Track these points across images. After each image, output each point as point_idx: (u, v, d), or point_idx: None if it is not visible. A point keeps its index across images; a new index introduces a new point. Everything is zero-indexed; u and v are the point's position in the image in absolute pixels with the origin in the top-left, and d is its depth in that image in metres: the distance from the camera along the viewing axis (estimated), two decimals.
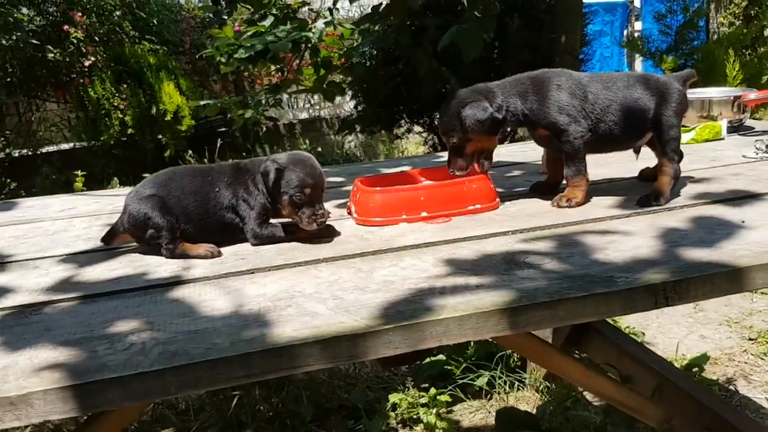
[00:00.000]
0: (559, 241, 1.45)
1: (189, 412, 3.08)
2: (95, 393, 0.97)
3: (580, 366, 1.91)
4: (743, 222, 1.48)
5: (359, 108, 7.17)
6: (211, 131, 8.55)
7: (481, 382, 3.13)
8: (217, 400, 3.10)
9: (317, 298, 1.21)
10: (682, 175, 1.89)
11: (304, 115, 9.89)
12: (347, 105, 8.98)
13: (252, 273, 1.38)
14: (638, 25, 11.31)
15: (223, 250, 1.55)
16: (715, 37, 5.29)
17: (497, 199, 1.77)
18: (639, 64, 7.26)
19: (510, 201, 1.82)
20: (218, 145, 7.62)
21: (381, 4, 5.88)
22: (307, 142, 9.28)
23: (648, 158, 1.90)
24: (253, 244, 1.58)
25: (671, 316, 4.11)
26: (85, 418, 1.62)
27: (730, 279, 1.22)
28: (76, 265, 1.53)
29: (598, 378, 1.94)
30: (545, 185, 1.85)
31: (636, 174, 1.96)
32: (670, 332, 3.84)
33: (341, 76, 6.47)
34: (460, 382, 3.14)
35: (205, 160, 7.56)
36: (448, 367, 3.21)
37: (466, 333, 1.11)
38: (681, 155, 1.76)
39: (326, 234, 1.61)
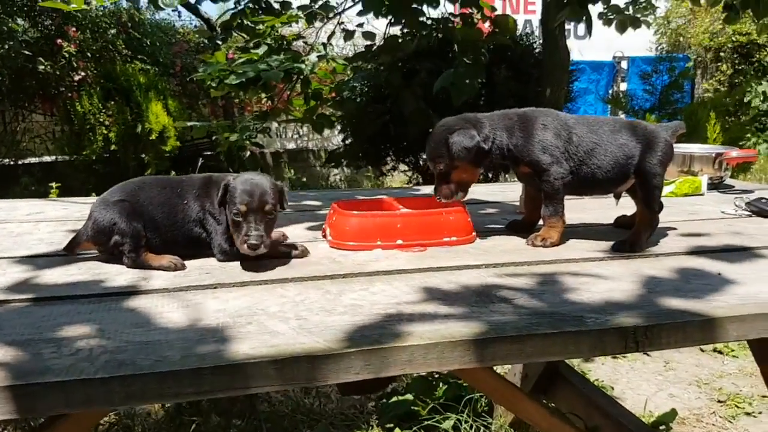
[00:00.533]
0: (531, 278, 1.42)
1: None
2: (36, 396, 0.92)
3: (545, 413, 1.86)
4: (719, 273, 1.46)
5: (347, 142, 7.20)
6: (196, 154, 8.52)
7: (447, 425, 3.07)
8: (174, 425, 3.00)
9: (280, 317, 1.17)
10: (661, 225, 1.88)
11: (291, 145, 9.92)
12: (335, 138, 9.02)
13: (215, 288, 1.34)
14: (623, 86, 11.57)
15: (188, 263, 1.50)
16: (700, 100, 5.41)
17: (473, 233, 1.74)
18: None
19: (485, 237, 1.80)
20: (199, 165, 7.57)
21: (374, 44, 5.96)
22: (293, 171, 9.27)
23: (625, 206, 1.89)
24: (220, 260, 1.54)
25: (641, 372, 4.09)
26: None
27: (703, 328, 1.20)
28: (34, 268, 1.48)
29: (564, 426, 1.89)
30: (521, 224, 1.84)
31: (612, 220, 1.95)
32: (639, 388, 3.81)
33: (331, 110, 6.50)
34: (426, 423, 3.08)
35: None
36: (415, 408, 3.15)
37: (431, 362, 1.07)
38: (661, 206, 1.76)
39: (298, 254, 1.58)
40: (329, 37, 6.22)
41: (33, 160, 8.25)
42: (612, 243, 1.70)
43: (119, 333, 1.09)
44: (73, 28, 7.53)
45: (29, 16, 7.59)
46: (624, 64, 11.76)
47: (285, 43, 5.89)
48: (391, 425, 3.08)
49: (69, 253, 1.56)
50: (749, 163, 2.25)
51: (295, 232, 1.86)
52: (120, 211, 1.47)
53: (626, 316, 1.19)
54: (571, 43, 6.17)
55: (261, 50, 5.59)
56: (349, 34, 5.98)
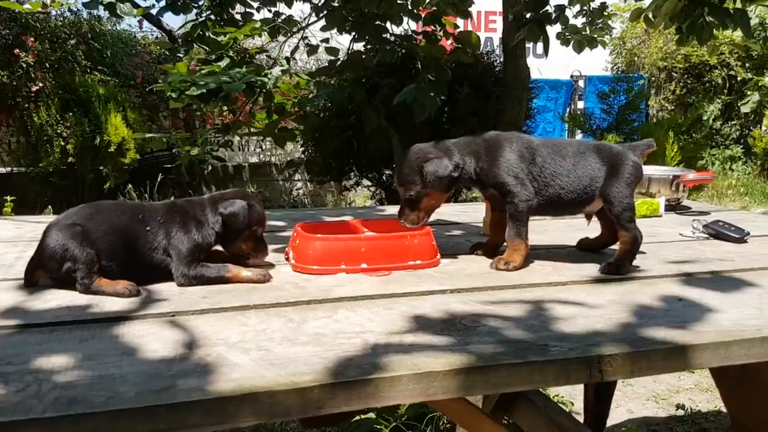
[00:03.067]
0: (495, 304, 1.42)
1: None
2: None
3: None
4: (680, 299, 1.48)
5: (308, 153, 7.17)
6: (156, 166, 8.39)
7: None
8: None
9: (241, 348, 1.14)
10: (614, 248, 1.90)
11: (254, 159, 9.82)
12: (298, 152, 8.97)
13: (173, 315, 1.30)
14: (581, 104, 11.78)
15: (146, 288, 1.46)
16: (654, 120, 5.53)
17: (438, 256, 1.73)
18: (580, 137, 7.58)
19: (450, 259, 1.79)
20: (158, 180, 7.44)
21: (338, 59, 5.96)
22: (254, 185, 9.18)
23: (586, 229, 1.91)
24: (180, 284, 1.50)
25: None
26: None
27: (667, 357, 1.20)
28: None
29: None
30: (485, 246, 1.83)
31: (575, 242, 1.96)
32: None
33: (294, 124, 6.46)
34: None
35: (145, 196, 7.37)
36: (378, 427, 3.12)
37: (397, 395, 1.05)
38: None
39: (267, 278, 1.55)
40: (293, 52, 6.19)
41: None
42: (575, 266, 1.71)
43: (71, 366, 1.04)
44: (32, 39, 7.35)
45: None
46: (581, 83, 11.98)
47: (248, 56, 5.85)
48: None
49: (30, 286, 1.48)
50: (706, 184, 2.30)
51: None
52: (73, 235, 1.42)
53: (590, 344, 1.19)
54: (531, 61, 6.26)
55: (223, 62, 5.54)
56: (312, 49, 5.97)
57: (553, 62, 10.96)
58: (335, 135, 6.73)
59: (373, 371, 1.05)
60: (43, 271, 1.46)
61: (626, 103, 5.40)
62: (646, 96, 5.88)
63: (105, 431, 0.90)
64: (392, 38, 5.50)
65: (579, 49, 5.35)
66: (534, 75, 11.76)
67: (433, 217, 2.39)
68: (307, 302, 1.39)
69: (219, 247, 1.64)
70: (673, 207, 2.55)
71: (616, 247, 1.76)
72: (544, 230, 2.16)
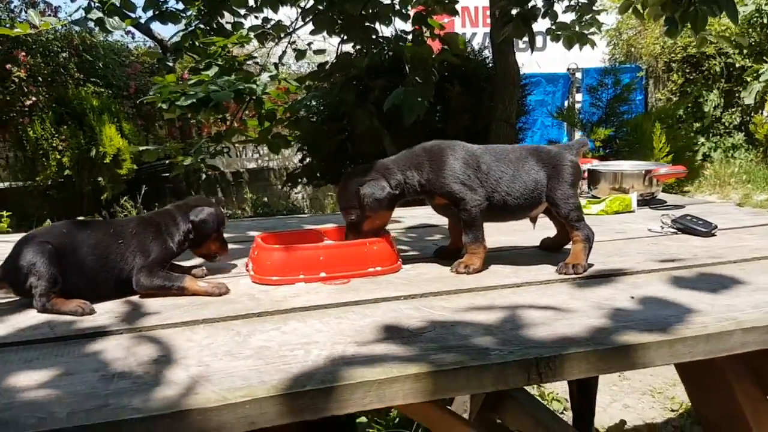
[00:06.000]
0: (447, 310, 1.42)
1: None
2: None
3: None
4: (632, 297, 1.48)
5: (305, 161, 7.18)
6: (154, 176, 8.43)
7: None
8: None
9: (182, 365, 1.15)
10: None
11: (252, 165, 9.85)
12: (296, 157, 8.99)
13: (120, 333, 1.31)
14: (579, 96, 11.74)
15: (104, 305, 1.47)
16: (646, 112, 5.53)
17: (398, 262, 1.74)
18: (578, 134, 7.54)
19: (412, 264, 1.80)
20: (154, 189, 7.47)
21: (327, 62, 5.97)
22: (252, 192, 9.21)
23: (550, 228, 1.91)
24: (138, 287, 1.53)
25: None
26: None
27: (607, 358, 1.21)
28: None
29: None
30: (448, 250, 1.84)
31: (538, 243, 1.97)
32: None
33: (288, 130, 6.48)
34: None
35: (140, 206, 7.40)
36: (370, 430, 3.14)
37: (330, 407, 1.06)
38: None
39: (222, 291, 1.56)
40: (280, 57, 6.21)
41: None
42: (536, 267, 1.72)
43: (10, 388, 1.06)
44: (23, 53, 7.41)
45: None
46: (579, 76, 11.94)
47: (236, 63, 5.87)
48: None
49: None
50: (680, 178, 2.30)
51: (223, 266, 1.84)
52: (41, 252, 1.44)
53: (531, 347, 1.20)
54: (530, 55, 6.22)
55: (212, 71, 5.56)
56: (300, 54, 5.97)
57: (551, 56, 10.95)
58: (329, 139, 6.74)
59: (308, 383, 1.06)
60: (5, 283, 1.48)
61: (614, 95, 5.39)
62: (635, 87, 5.87)
63: None
64: (381, 39, 5.51)
65: (569, 45, 5.33)
66: (533, 69, 11.74)
67: (416, 221, 2.41)
68: (258, 314, 1.41)
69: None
70: (647, 201, 2.55)
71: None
72: (513, 231, 2.16)
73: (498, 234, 2.11)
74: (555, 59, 10.95)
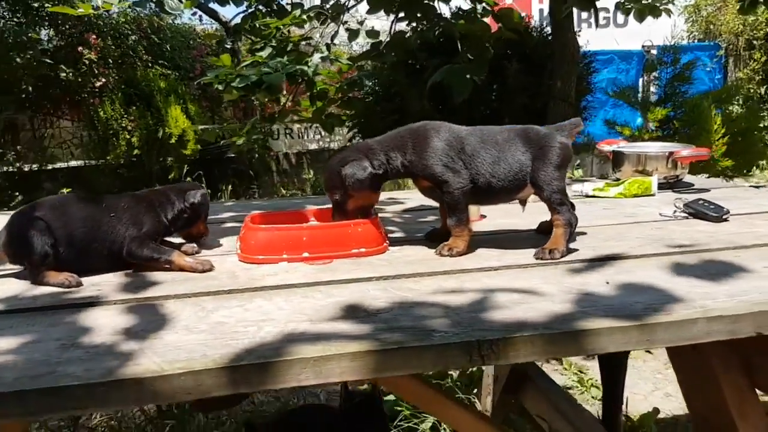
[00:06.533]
0: (414, 290, 1.44)
1: None
2: None
3: (472, 419, 1.87)
4: (607, 283, 1.45)
5: (355, 141, 7.22)
6: (219, 156, 8.69)
7: (425, 426, 3.10)
8: (154, 428, 3.10)
9: (138, 337, 1.21)
10: (583, 229, 1.86)
11: (313, 146, 9.99)
12: (356, 138, 9.06)
13: (95, 305, 1.39)
14: (654, 75, 11.27)
15: (91, 278, 1.56)
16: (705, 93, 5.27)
17: (384, 244, 1.76)
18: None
19: (400, 246, 1.81)
20: (215, 171, 7.69)
21: (381, 41, 5.96)
22: (312, 172, 9.35)
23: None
24: (128, 255, 1.61)
25: (640, 370, 4.04)
26: None
27: (555, 342, 1.19)
28: None
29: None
30: (439, 233, 1.84)
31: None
32: (635, 387, 3.77)
33: (340, 110, 6.54)
34: (405, 425, 3.11)
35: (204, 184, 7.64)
36: (398, 408, 3.18)
37: (265, 381, 1.10)
38: (572, 206, 1.75)
39: (207, 267, 1.62)
40: (332, 37, 6.24)
41: (62, 165, 8.53)
42: (526, 251, 1.70)
43: None
44: (94, 36, 7.74)
45: (53, 26, 7.85)
46: (654, 53, 11.47)
47: (291, 44, 5.95)
48: None
49: None
50: (701, 161, 2.19)
51: (216, 244, 1.90)
52: (34, 227, 1.52)
53: (478, 329, 1.20)
54: (610, 31, 5.99)
55: (265, 53, 5.66)
56: (353, 34, 5.99)
57: (629, 32, 10.56)
58: (381, 119, 6.75)
59: (246, 358, 1.10)
60: (3, 254, 1.59)
61: (674, 74, 5.16)
62: (698, 66, 5.57)
63: None
64: (437, 18, 5.45)
65: (640, 18, 5.11)
66: (611, 46, 11.31)
67: (415, 203, 2.42)
68: (228, 291, 1.46)
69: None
70: (672, 185, 2.45)
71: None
72: (518, 214, 2.13)
73: (502, 216, 2.09)
74: (634, 36, 10.59)
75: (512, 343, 1.17)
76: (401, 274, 1.54)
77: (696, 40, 11.70)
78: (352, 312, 1.32)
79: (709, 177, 5.67)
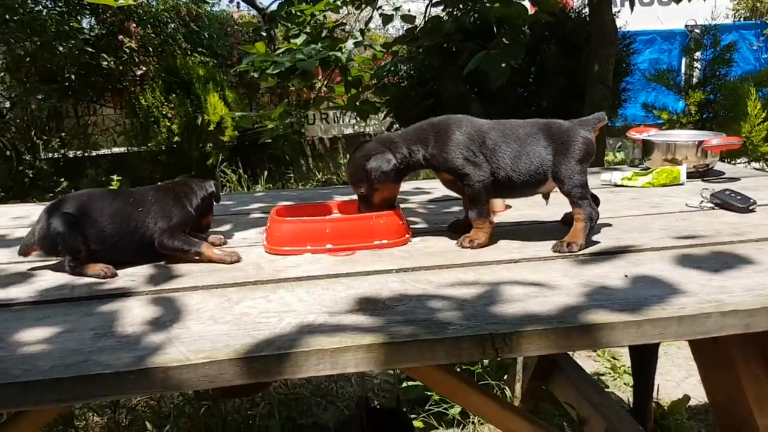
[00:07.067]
0: (432, 282, 1.47)
1: (170, 417, 3.20)
2: None
3: (497, 407, 1.90)
4: (626, 276, 1.46)
5: (392, 128, 7.24)
6: (255, 142, 8.80)
7: (455, 411, 3.14)
8: (191, 408, 3.20)
9: (166, 327, 1.27)
10: (608, 220, 1.87)
11: (349, 131, 10.04)
12: (393, 123, 9.08)
13: (129, 296, 1.45)
14: (698, 56, 11.00)
15: (126, 270, 1.63)
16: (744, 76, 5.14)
17: (407, 235, 1.79)
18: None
19: (422, 237, 1.84)
20: (217, 160, 7.77)
21: (416, 26, 5.95)
22: (347, 157, 9.40)
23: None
24: (159, 246, 1.66)
25: (674, 357, 4.01)
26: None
27: (568, 336, 1.22)
28: None
29: (516, 420, 1.93)
30: (461, 224, 1.87)
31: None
32: (668, 374, 3.74)
33: (376, 95, 6.56)
34: (435, 410, 3.16)
35: (239, 171, 7.77)
36: (429, 393, 3.23)
37: (284, 371, 1.15)
38: (597, 199, 1.76)
39: (234, 259, 1.68)
40: (366, 23, 6.26)
41: (105, 151, 8.76)
42: (548, 243, 1.71)
43: (15, 344, 1.22)
44: (134, 24, 7.90)
45: (94, 14, 8.02)
46: (698, 32, 11.17)
47: (326, 30, 5.98)
48: (405, 410, 3.18)
49: (24, 256, 1.70)
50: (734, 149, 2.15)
51: (244, 235, 1.96)
52: (66, 224, 1.59)
53: (492, 322, 1.23)
54: (653, 9, 5.84)
55: (299, 39, 5.70)
56: (387, 18, 5.99)
57: (673, 10, 10.28)
58: (416, 104, 6.75)
59: (266, 349, 1.16)
60: (35, 248, 1.66)
61: (713, 57, 5.02)
62: (737, 48, 5.43)
63: (15, 399, 1.07)
64: (471, 2, 5.42)
65: None
66: (654, 25, 11.05)
67: (439, 193, 2.44)
68: (254, 283, 1.51)
69: None
70: (702, 174, 2.42)
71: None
72: (543, 204, 2.14)
73: (527, 207, 2.10)
74: (676, 14, 10.32)
75: (525, 336, 1.20)
76: (421, 266, 1.58)
77: (741, 19, 11.35)
78: (370, 304, 1.36)
79: (749, 162, 5.56)
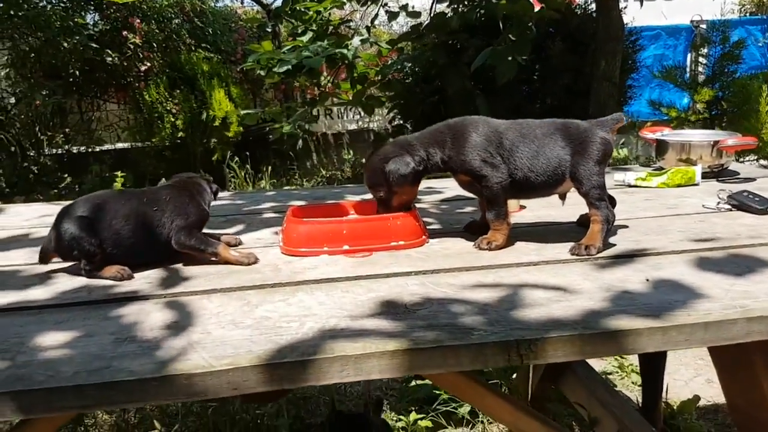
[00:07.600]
0: (452, 285, 1.46)
1: (178, 416, 3.19)
2: None
3: (510, 408, 1.89)
4: (647, 280, 1.45)
5: (396, 123, 7.23)
6: (261, 137, 8.79)
7: (464, 410, 3.13)
8: (200, 407, 3.19)
9: (187, 331, 1.26)
10: (624, 222, 1.85)
11: (353, 126, 10.01)
12: (397, 119, 9.06)
13: (147, 299, 1.44)
14: (704, 51, 10.95)
15: (142, 272, 1.62)
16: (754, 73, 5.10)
17: (423, 236, 1.78)
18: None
19: (439, 238, 1.83)
20: (221, 156, 7.77)
21: (421, 22, 5.93)
22: (352, 152, 9.38)
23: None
24: (177, 244, 1.65)
25: (682, 356, 3.99)
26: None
27: (593, 343, 1.21)
28: None
29: (530, 421, 1.91)
30: (478, 225, 1.86)
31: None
32: (676, 373, 3.73)
33: (381, 91, 6.54)
34: (443, 409, 3.15)
35: (247, 167, 7.75)
36: (437, 392, 3.22)
37: (308, 378, 1.14)
38: (613, 201, 1.74)
39: (251, 260, 1.67)
40: (372, 20, 6.24)
41: (109, 147, 8.75)
42: (565, 245, 1.70)
43: (35, 347, 1.21)
44: (138, 20, 7.88)
45: (98, 10, 8.00)
46: (703, 28, 11.12)
47: (331, 27, 5.96)
48: (413, 409, 3.18)
49: (44, 263, 1.69)
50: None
51: (258, 235, 1.95)
52: (81, 227, 1.58)
53: (516, 328, 1.22)
54: (658, 5, 5.82)
55: (306, 37, 5.69)
56: (392, 15, 5.97)
57: (677, 6, 10.25)
58: (421, 100, 6.73)
59: (289, 355, 1.14)
60: (54, 253, 1.65)
61: (722, 53, 4.99)
62: (747, 45, 5.39)
63: (41, 405, 1.06)
64: None
65: None
66: (658, 20, 11.00)
67: (452, 193, 2.42)
68: (272, 285, 1.50)
69: None
70: (717, 174, 2.41)
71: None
72: (558, 204, 2.13)
73: (542, 208, 2.09)
74: (681, 9, 10.29)
75: (551, 343, 1.18)
76: (440, 269, 1.57)
77: (748, 14, 11.30)
78: (392, 308, 1.35)
79: (758, 159, 5.53)
